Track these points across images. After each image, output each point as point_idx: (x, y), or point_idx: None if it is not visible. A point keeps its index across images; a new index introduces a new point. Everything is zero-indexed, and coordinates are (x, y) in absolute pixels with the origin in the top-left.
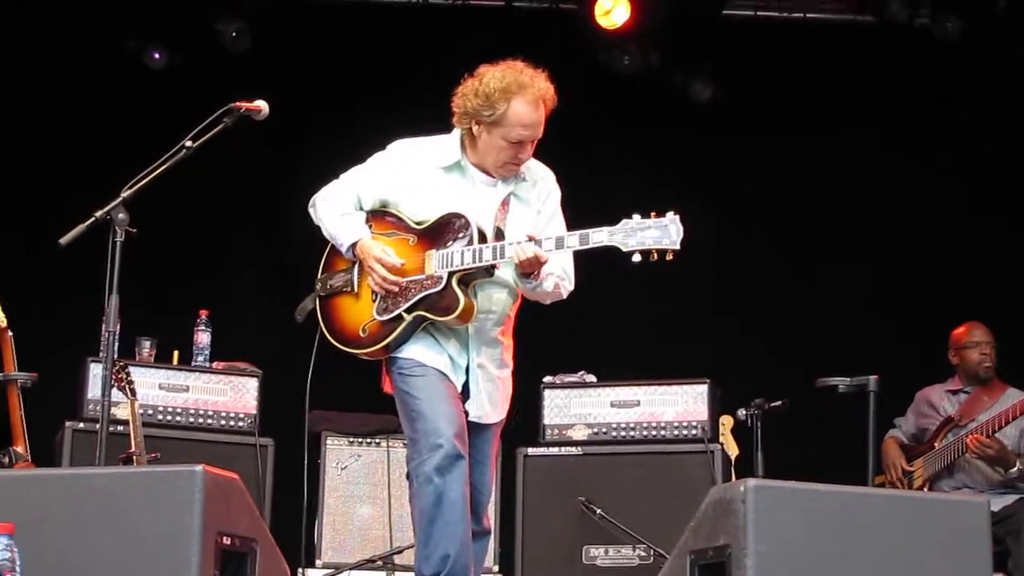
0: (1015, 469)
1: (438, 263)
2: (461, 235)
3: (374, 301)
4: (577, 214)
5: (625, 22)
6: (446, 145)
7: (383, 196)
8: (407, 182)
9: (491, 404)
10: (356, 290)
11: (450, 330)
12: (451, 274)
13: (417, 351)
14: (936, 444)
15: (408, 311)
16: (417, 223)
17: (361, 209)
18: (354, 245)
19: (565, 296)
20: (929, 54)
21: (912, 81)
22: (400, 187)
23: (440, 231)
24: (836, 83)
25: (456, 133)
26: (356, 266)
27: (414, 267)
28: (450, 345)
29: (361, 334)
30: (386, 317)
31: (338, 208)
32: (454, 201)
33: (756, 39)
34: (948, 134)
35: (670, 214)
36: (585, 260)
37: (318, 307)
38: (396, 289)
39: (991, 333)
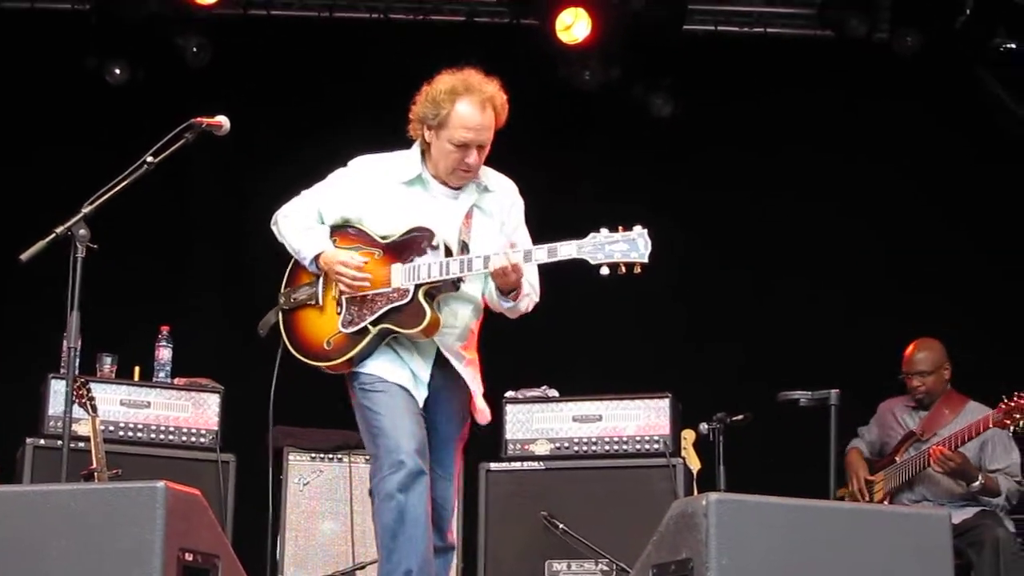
0: (977, 483)
1: (404, 276)
2: (427, 248)
3: (339, 314)
4: (539, 228)
5: (585, 37)
6: (407, 159)
7: (346, 212)
8: (370, 197)
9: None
10: (321, 303)
11: (414, 344)
12: (418, 287)
13: (379, 366)
14: (897, 458)
15: (374, 324)
16: (382, 237)
17: (323, 224)
18: (317, 256)
19: (531, 310)
20: (888, 68)
21: (872, 94)
22: (363, 202)
23: (406, 245)
24: (797, 97)
25: (416, 147)
26: (321, 279)
27: (380, 280)
28: (413, 360)
29: (326, 347)
30: (351, 330)
31: (300, 223)
32: (418, 215)
33: (716, 54)
34: (912, 148)
35: (638, 228)
36: (549, 273)
37: (281, 321)
38: (367, 286)
39: (937, 352)
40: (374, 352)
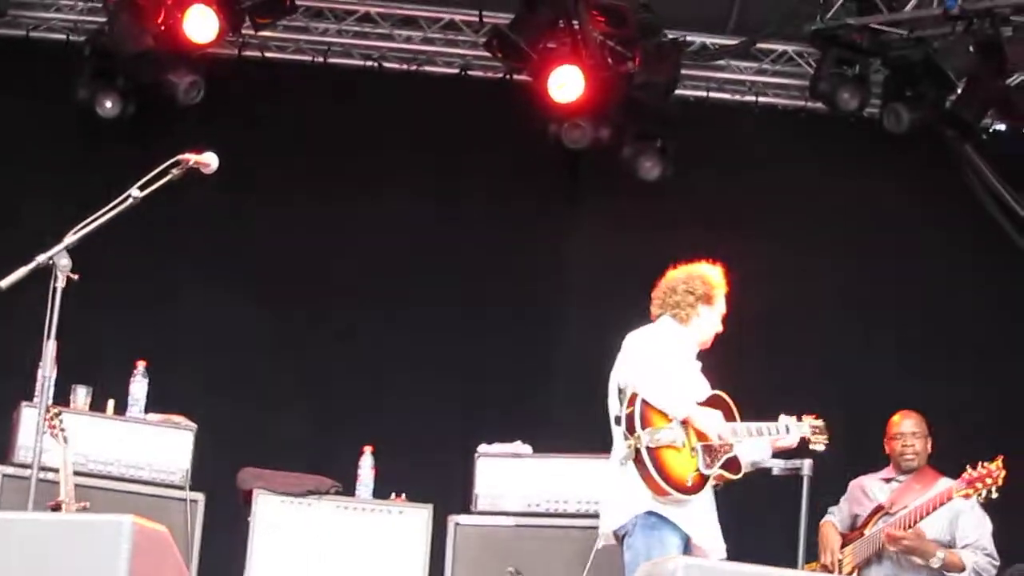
0: (935, 559)
1: (730, 432)
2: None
3: (694, 457)
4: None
5: (578, 97)
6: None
7: None
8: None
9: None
10: (684, 446)
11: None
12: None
13: None
14: (865, 531)
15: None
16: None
17: None
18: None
19: None
20: (878, 143)
21: (860, 168)
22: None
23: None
24: (785, 166)
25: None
26: (680, 426)
27: None
28: None
29: (688, 483)
30: (708, 471)
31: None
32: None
33: (707, 120)
34: (896, 223)
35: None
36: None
37: (645, 453)
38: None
39: (921, 424)
40: None
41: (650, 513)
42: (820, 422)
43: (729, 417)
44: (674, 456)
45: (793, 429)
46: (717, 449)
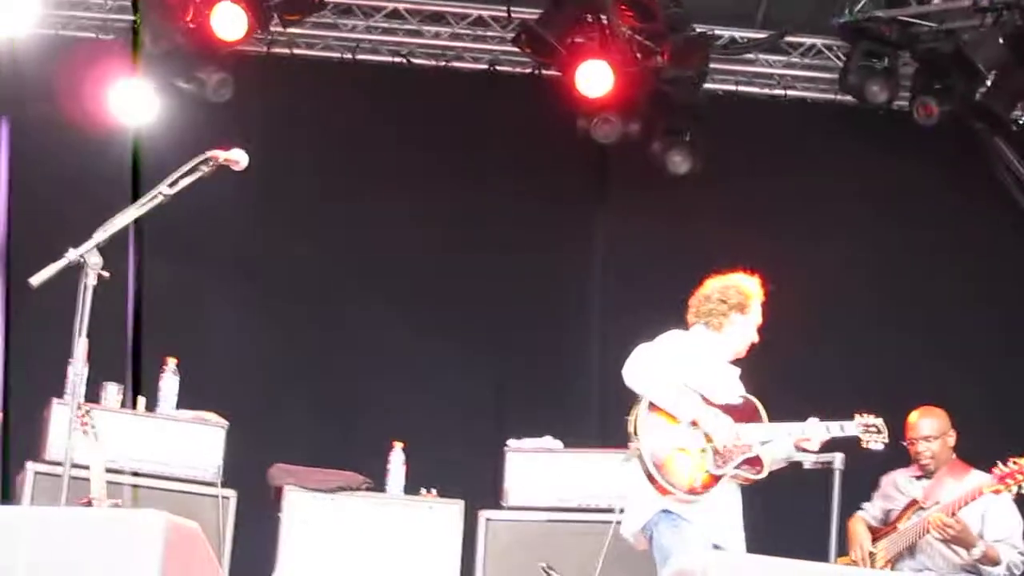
0: (977, 550)
1: (749, 434)
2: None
3: (704, 457)
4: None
5: (607, 91)
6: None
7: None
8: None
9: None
10: (693, 447)
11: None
12: (763, 443)
13: None
14: (899, 525)
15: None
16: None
17: None
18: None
19: None
20: (908, 136)
21: (890, 160)
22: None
23: (743, 409)
24: (815, 159)
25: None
26: (689, 428)
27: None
28: None
29: (696, 484)
30: (718, 472)
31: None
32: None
33: (736, 114)
34: (928, 215)
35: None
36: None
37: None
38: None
39: (941, 419)
40: None
41: (666, 511)
42: (876, 420)
43: (754, 419)
44: (683, 457)
45: (816, 429)
46: (730, 449)
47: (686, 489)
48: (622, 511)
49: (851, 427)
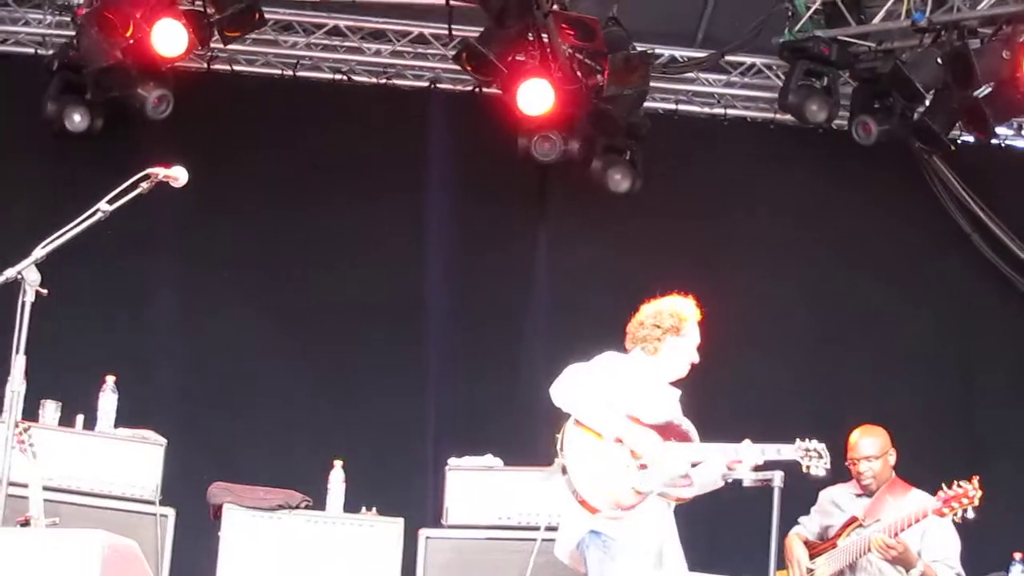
0: (915, 570)
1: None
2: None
3: (629, 474)
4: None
5: (548, 110)
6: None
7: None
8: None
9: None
10: (618, 464)
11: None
12: (693, 464)
13: None
14: (838, 542)
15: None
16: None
17: None
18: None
19: None
20: (847, 155)
21: (829, 179)
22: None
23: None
24: (754, 178)
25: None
26: (617, 444)
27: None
28: None
29: (622, 500)
30: (645, 489)
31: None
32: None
33: (676, 133)
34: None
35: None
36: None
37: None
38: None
39: (882, 438)
40: None
41: (595, 532)
42: (819, 445)
43: (685, 440)
44: (607, 473)
45: (749, 452)
46: (655, 467)
47: (610, 505)
48: (548, 528)
49: (789, 451)
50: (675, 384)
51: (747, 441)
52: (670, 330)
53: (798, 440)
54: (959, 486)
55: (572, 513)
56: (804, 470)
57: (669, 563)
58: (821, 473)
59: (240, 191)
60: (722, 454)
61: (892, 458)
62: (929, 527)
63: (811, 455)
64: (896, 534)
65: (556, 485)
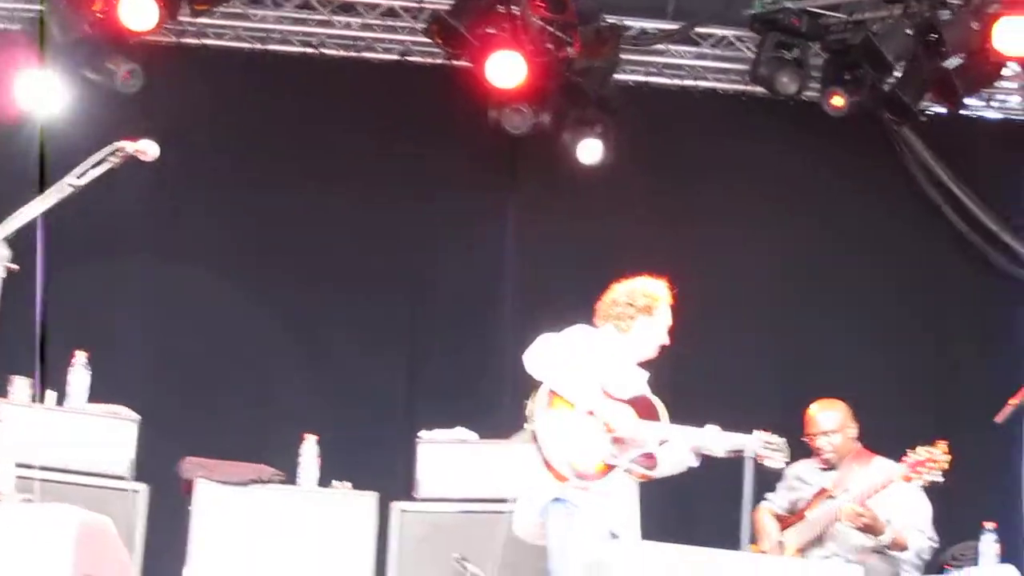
0: (885, 536)
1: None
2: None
3: (599, 446)
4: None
5: (518, 83)
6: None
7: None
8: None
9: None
10: (590, 435)
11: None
12: (661, 442)
13: None
14: (807, 514)
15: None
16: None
17: None
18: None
19: None
20: (817, 126)
21: (800, 150)
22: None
23: (640, 405)
24: (724, 150)
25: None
26: (588, 416)
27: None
28: None
29: (589, 470)
30: (612, 462)
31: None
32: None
33: (646, 104)
34: (838, 202)
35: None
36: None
37: (539, 438)
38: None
39: (840, 411)
40: None
41: (559, 499)
42: (776, 439)
43: (650, 418)
44: (578, 443)
45: (713, 437)
46: (625, 442)
47: (578, 473)
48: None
49: (751, 444)
50: (642, 365)
51: (711, 427)
52: (643, 310)
53: (756, 432)
54: (926, 450)
55: (537, 482)
56: (761, 461)
57: (627, 538)
58: (779, 465)
59: (210, 165)
60: (686, 439)
61: (852, 431)
62: (897, 493)
63: (769, 447)
64: (863, 503)
65: (524, 452)
